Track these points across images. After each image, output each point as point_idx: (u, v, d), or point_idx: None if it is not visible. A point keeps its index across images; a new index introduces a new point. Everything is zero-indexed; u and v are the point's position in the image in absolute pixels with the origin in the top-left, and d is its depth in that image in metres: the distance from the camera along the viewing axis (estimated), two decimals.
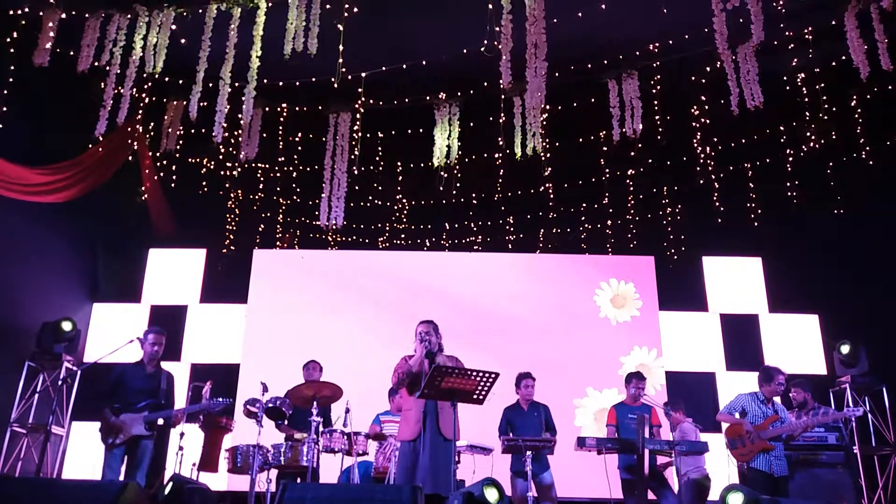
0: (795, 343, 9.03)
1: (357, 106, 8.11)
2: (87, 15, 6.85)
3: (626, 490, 6.25)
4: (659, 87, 8.03)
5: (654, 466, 6.21)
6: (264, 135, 8.41)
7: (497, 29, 6.44)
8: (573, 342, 9.06)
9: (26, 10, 6.89)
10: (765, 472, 6.01)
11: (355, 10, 6.77)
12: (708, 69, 7.70)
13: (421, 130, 8.43)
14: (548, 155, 8.33)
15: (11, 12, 6.92)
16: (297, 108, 8.55)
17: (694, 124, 8.55)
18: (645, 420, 5.98)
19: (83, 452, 8.26)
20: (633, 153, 8.77)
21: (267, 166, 9.39)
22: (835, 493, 6.37)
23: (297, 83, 7.86)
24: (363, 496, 3.98)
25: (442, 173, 8.66)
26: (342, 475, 6.46)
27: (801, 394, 6.87)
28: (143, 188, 8.94)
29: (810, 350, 8.97)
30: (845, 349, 8.00)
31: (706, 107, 8.31)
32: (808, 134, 8.43)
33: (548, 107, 7.49)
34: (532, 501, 6.00)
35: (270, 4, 6.58)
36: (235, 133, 8.33)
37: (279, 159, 9.19)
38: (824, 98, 8.02)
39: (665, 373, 8.89)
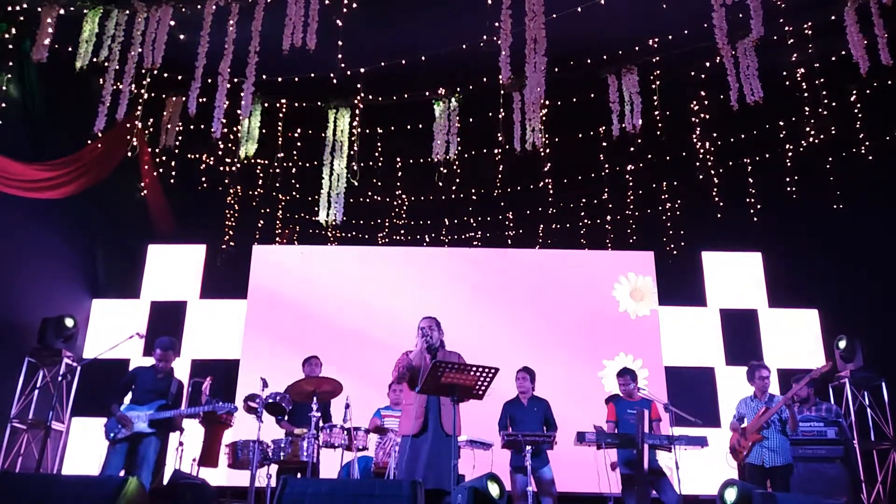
0: (795, 338, 9.03)
1: (356, 101, 8.10)
2: (85, 11, 6.83)
3: (626, 484, 6.26)
4: (658, 83, 8.02)
5: (654, 460, 6.23)
6: (263, 130, 8.40)
7: (496, 24, 6.43)
8: (576, 336, 9.07)
9: (25, 6, 6.87)
10: (756, 464, 6.06)
11: (354, 5, 6.77)
12: (707, 64, 7.70)
13: (420, 126, 8.42)
14: (547, 150, 8.33)
15: (10, 8, 6.91)
16: (296, 104, 8.55)
17: (693, 119, 8.55)
18: (644, 415, 6.00)
19: (83, 448, 8.27)
20: (632, 148, 8.77)
21: (266, 162, 9.39)
22: (834, 487, 6.39)
23: (296, 79, 7.85)
24: (363, 491, 3.99)
25: (441, 169, 8.67)
26: (342, 470, 6.47)
27: (805, 391, 6.88)
28: (142, 184, 8.94)
29: (810, 345, 8.97)
30: (843, 344, 8.01)
31: (706, 102, 8.31)
32: (808, 129, 8.43)
33: (547, 102, 7.49)
34: (532, 496, 6.01)
35: (269, 0, 6.57)
36: (234, 129, 8.32)
37: (278, 155, 9.18)
38: (824, 93, 8.01)
39: (664, 368, 8.89)
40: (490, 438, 6.69)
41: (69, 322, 7.94)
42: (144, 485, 5.69)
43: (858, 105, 8.14)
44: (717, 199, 9.10)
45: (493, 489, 4.41)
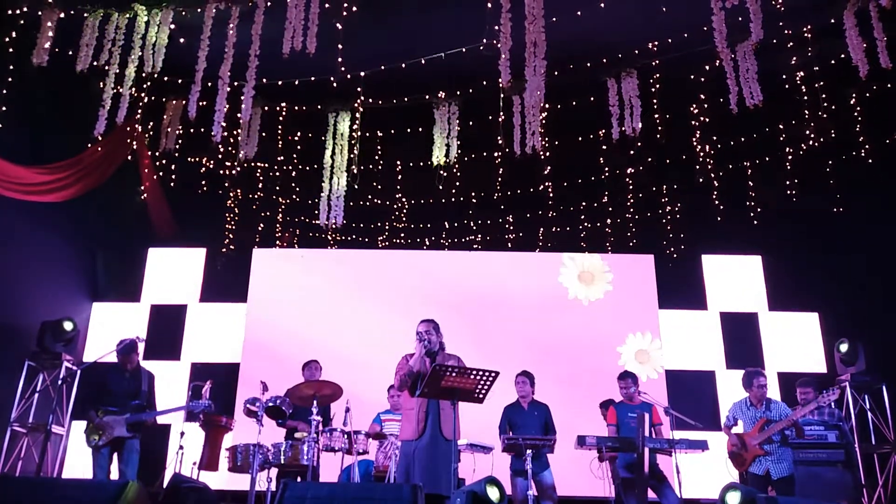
0: (795, 341, 9.03)
1: (356, 105, 8.10)
2: (85, 14, 6.84)
3: (627, 488, 6.25)
4: (658, 86, 8.03)
5: (655, 464, 6.22)
6: (263, 134, 8.40)
7: (496, 27, 6.43)
8: (574, 339, 9.06)
9: (25, 9, 6.88)
10: (761, 475, 6.03)
11: (354, 8, 6.77)
12: (707, 67, 7.69)
13: (420, 129, 8.43)
14: (547, 154, 8.34)
15: (10, 12, 6.91)
16: (296, 108, 8.55)
17: (693, 123, 8.55)
18: (645, 418, 5.99)
19: (83, 452, 8.24)
20: (632, 152, 8.77)
21: (266, 165, 9.39)
22: (835, 491, 6.37)
23: (297, 82, 7.85)
24: (363, 495, 3.98)
25: (441, 172, 8.67)
26: (342, 474, 6.47)
27: (812, 394, 6.86)
28: (142, 187, 8.94)
29: (810, 348, 8.97)
30: (844, 347, 8.00)
31: (705, 105, 8.31)
32: (808, 132, 8.43)
33: (547, 105, 7.49)
34: (532, 500, 6.01)
35: (269, 3, 6.57)
36: (234, 132, 8.32)
37: (278, 158, 9.19)
38: (823, 96, 8.01)
39: (665, 371, 8.89)
40: (490, 442, 6.68)
41: (68, 325, 7.93)
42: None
43: (858, 108, 8.14)
44: (717, 202, 9.10)
45: (493, 493, 4.39)
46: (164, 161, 8.93)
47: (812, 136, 8.46)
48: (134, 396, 6.31)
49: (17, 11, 6.90)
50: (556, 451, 6.51)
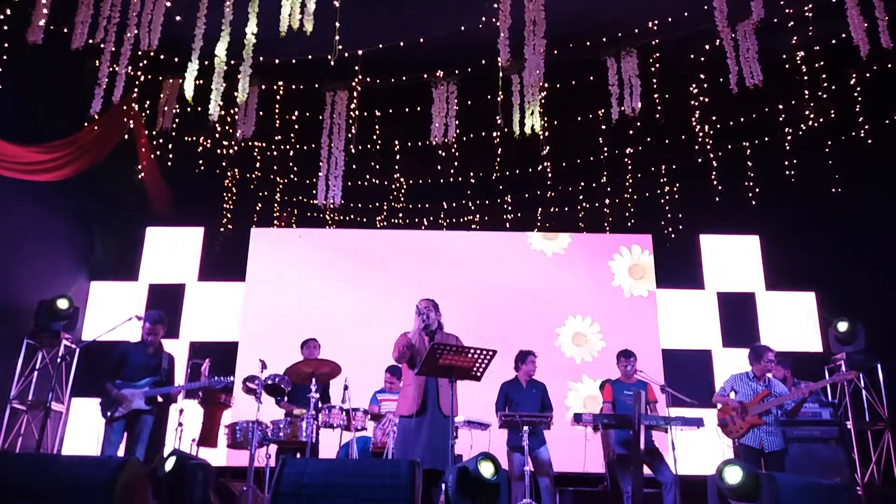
0: (792, 321, 9.07)
1: (354, 84, 8.06)
2: None
3: (622, 465, 6.31)
4: (658, 66, 8.00)
5: (650, 441, 6.28)
6: (261, 113, 8.37)
7: (495, 5, 6.39)
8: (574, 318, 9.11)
9: None
10: (754, 447, 6.08)
11: None
12: (707, 47, 7.66)
13: (419, 108, 8.39)
14: (546, 133, 8.31)
15: None
16: (293, 87, 8.51)
17: (693, 102, 8.53)
18: (641, 396, 6.04)
19: (83, 428, 8.32)
20: (631, 132, 8.75)
21: (264, 145, 9.36)
22: (829, 468, 6.43)
23: (294, 61, 7.81)
24: (361, 471, 4.01)
25: (440, 152, 8.65)
26: (341, 450, 6.53)
27: (780, 371, 6.86)
28: (139, 167, 8.91)
29: (806, 328, 9.01)
30: (843, 326, 8.02)
31: (705, 85, 8.28)
32: (807, 112, 8.41)
33: (546, 85, 7.46)
34: (529, 476, 6.07)
35: None
36: (232, 111, 8.28)
37: (276, 138, 9.16)
38: (823, 76, 7.99)
39: (661, 350, 8.93)
40: (488, 419, 6.73)
41: (62, 303, 7.89)
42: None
43: (858, 88, 8.12)
44: (715, 182, 9.10)
45: (487, 469, 4.43)
46: (161, 140, 8.90)
47: (812, 116, 8.44)
48: (152, 372, 6.28)
49: None
50: (553, 429, 6.57)
